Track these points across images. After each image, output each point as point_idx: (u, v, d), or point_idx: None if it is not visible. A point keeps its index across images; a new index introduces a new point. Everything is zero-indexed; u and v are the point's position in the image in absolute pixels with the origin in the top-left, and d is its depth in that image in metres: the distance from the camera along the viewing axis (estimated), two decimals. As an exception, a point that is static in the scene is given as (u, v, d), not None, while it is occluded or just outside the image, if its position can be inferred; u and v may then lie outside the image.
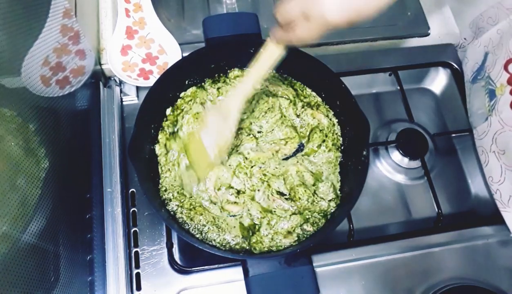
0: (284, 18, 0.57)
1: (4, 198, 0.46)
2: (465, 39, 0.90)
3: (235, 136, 0.73)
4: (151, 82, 0.82)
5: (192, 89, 0.79)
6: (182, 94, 0.78)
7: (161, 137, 0.74)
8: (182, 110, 0.76)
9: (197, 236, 0.66)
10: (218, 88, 0.79)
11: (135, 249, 0.73)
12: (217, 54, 0.77)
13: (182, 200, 0.69)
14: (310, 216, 0.69)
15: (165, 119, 0.76)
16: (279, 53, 0.64)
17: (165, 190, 0.70)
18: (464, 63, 0.91)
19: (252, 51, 0.77)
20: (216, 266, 0.71)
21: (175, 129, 0.75)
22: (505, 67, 0.73)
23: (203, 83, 0.80)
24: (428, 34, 0.96)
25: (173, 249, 0.73)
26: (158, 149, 0.73)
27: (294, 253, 0.63)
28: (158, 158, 0.73)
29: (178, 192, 0.70)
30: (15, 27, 0.51)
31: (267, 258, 0.64)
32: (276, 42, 0.63)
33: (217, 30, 0.76)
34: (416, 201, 0.83)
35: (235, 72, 0.80)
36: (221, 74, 0.81)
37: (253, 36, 0.77)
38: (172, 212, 0.68)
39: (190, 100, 0.77)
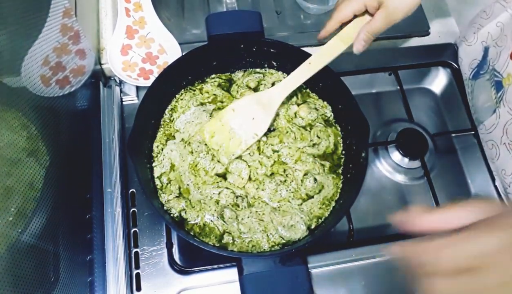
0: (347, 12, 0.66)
1: (4, 198, 0.46)
2: (464, 38, 0.90)
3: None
4: (151, 82, 0.82)
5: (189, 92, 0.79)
6: (181, 92, 0.79)
7: (159, 134, 0.75)
8: (180, 109, 0.77)
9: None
10: (221, 87, 0.80)
11: (135, 250, 0.73)
12: (220, 51, 0.77)
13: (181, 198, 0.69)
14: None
15: (163, 116, 0.76)
16: (340, 49, 0.67)
17: (162, 188, 0.70)
18: (459, 63, 0.91)
19: (254, 49, 0.77)
20: (216, 266, 0.71)
21: (173, 128, 0.76)
22: None
23: (203, 82, 0.80)
24: (428, 34, 0.96)
25: (173, 249, 0.73)
26: (156, 147, 0.74)
27: (289, 252, 0.63)
28: (155, 156, 0.73)
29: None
30: (15, 27, 0.51)
31: (262, 257, 0.65)
32: (344, 40, 0.67)
33: (220, 28, 0.76)
34: (416, 201, 0.83)
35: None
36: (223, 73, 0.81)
37: (256, 34, 0.77)
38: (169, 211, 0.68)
39: (189, 100, 0.77)
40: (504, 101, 0.74)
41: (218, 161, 0.72)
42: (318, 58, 0.70)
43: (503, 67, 0.75)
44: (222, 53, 0.77)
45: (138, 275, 0.71)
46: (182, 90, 0.79)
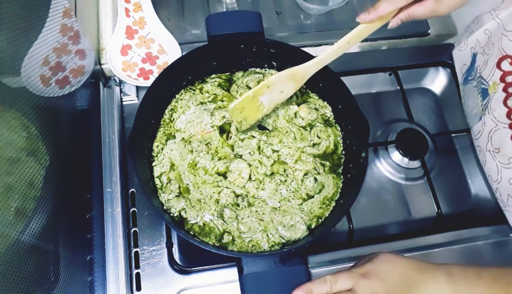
0: None
1: (4, 197, 0.46)
2: (459, 41, 0.90)
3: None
4: (151, 82, 0.82)
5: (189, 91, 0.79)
6: (181, 92, 0.79)
7: (159, 134, 0.75)
8: (180, 109, 0.77)
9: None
10: (222, 87, 0.80)
11: (135, 249, 0.73)
12: (220, 51, 0.77)
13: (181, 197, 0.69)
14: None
15: (163, 116, 0.77)
16: (376, 27, 0.66)
17: (162, 187, 0.70)
18: (455, 66, 0.91)
19: (254, 49, 0.77)
20: (216, 266, 0.71)
21: (173, 128, 0.76)
22: (498, 65, 0.73)
23: (203, 82, 0.80)
24: (428, 34, 0.96)
25: (173, 249, 0.73)
26: (156, 146, 0.74)
27: (289, 252, 0.63)
28: (155, 156, 0.73)
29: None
30: (15, 27, 0.51)
31: (262, 256, 0.65)
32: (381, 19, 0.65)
33: (220, 28, 0.76)
34: (416, 201, 0.83)
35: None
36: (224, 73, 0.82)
37: (256, 34, 0.77)
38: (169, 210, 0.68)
39: (189, 99, 0.78)
40: (489, 108, 0.75)
41: (219, 159, 0.72)
42: (355, 36, 0.68)
43: (489, 75, 0.75)
44: (222, 53, 0.77)
45: (138, 274, 0.71)
46: (182, 90, 0.79)
